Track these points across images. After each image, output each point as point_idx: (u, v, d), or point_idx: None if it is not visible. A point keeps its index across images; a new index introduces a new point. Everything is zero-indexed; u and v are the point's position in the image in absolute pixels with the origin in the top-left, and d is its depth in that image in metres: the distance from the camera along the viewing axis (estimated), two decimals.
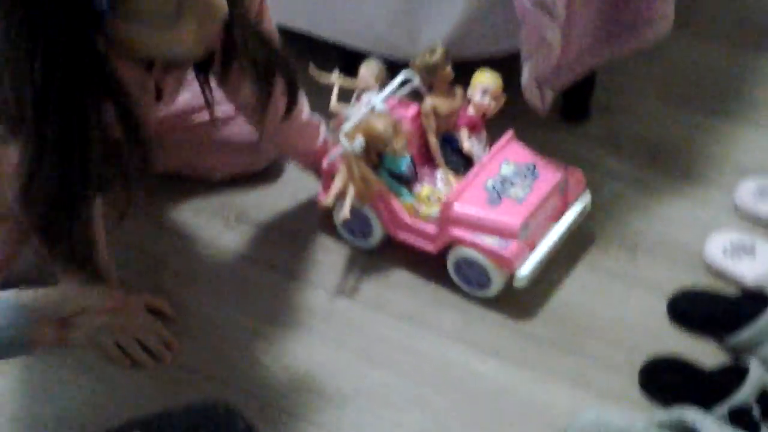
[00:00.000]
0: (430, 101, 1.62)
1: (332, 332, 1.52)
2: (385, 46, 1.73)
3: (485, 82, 1.62)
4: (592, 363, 1.46)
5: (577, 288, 1.57)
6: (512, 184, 1.55)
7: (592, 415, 1.35)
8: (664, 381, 1.42)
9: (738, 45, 2.05)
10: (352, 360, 1.47)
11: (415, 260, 1.60)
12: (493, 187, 1.54)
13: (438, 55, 1.59)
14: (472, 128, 1.64)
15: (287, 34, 1.60)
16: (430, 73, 1.60)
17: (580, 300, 1.55)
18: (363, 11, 1.73)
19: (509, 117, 1.68)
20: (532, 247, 1.53)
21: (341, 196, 1.55)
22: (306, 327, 1.52)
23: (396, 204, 1.57)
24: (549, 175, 1.57)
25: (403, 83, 1.63)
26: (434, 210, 1.55)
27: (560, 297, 1.56)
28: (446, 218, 1.52)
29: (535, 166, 1.58)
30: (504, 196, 1.53)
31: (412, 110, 1.64)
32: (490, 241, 1.49)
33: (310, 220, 1.70)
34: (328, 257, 1.64)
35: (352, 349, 1.49)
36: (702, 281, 1.56)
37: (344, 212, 1.54)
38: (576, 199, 1.61)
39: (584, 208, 1.61)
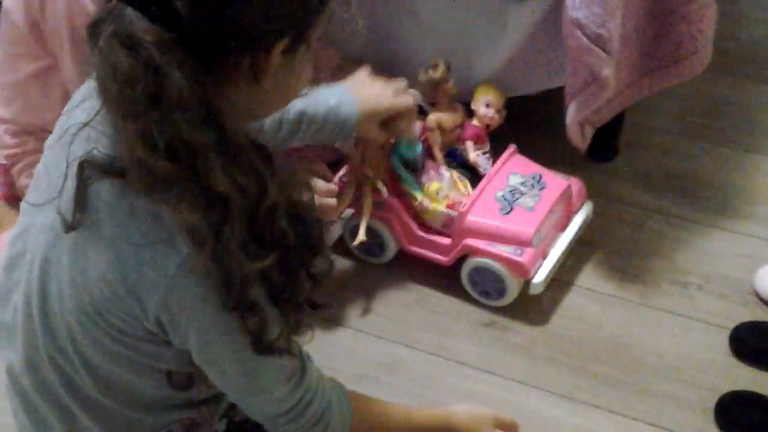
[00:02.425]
0: (434, 116, 1.64)
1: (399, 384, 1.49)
2: None
3: (488, 95, 1.66)
4: (665, 403, 1.45)
5: (636, 327, 1.56)
6: (522, 194, 1.58)
7: None
8: (742, 418, 1.42)
9: (746, 77, 2.09)
10: None
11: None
12: (504, 198, 1.57)
13: (441, 70, 1.60)
14: (477, 140, 1.66)
15: None
16: (433, 88, 1.62)
17: (641, 338, 1.55)
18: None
19: (534, 156, 1.70)
20: (543, 254, 1.56)
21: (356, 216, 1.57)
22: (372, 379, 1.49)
23: (407, 218, 1.59)
24: (555, 185, 1.61)
25: None
26: (442, 207, 1.56)
27: (622, 336, 1.55)
28: (460, 229, 1.54)
29: (541, 176, 1.61)
30: (515, 206, 1.56)
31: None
32: (505, 250, 1.52)
33: None
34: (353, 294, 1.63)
35: (424, 400, 1.46)
36: (759, 315, 1.57)
37: (360, 236, 1.55)
38: (579, 208, 1.65)
39: (587, 216, 1.65)
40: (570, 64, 1.55)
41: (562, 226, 1.62)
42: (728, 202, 1.79)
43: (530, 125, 1.92)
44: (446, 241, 1.58)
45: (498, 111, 1.67)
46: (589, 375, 1.49)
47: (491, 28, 1.63)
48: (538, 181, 1.61)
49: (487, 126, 1.66)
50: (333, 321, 1.58)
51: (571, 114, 1.61)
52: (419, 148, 1.58)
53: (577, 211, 1.65)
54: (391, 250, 1.63)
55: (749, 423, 1.40)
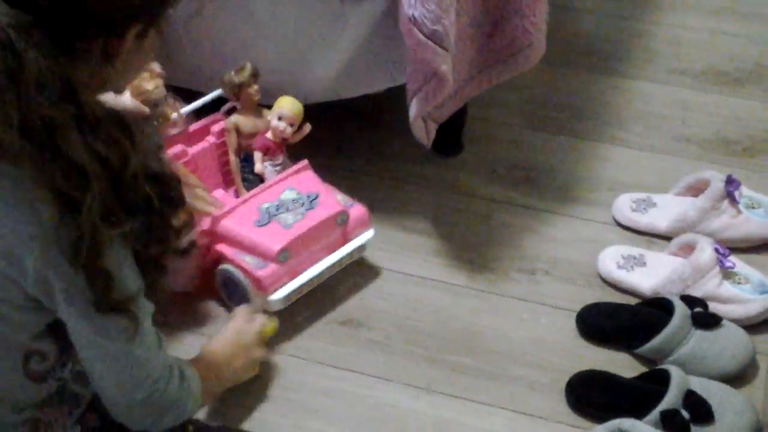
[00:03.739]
0: (234, 118, 1.64)
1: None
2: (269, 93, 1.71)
3: (282, 107, 1.63)
4: (519, 387, 1.49)
5: (488, 315, 1.60)
6: (287, 209, 1.56)
7: None
8: (591, 397, 1.47)
9: (581, 67, 2.16)
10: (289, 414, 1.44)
11: None
12: (267, 210, 1.56)
13: (244, 74, 1.60)
14: (267, 152, 1.64)
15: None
16: (235, 91, 1.62)
17: (493, 326, 1.58)
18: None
19: (383, 153, 1.74)
20: (294, 273, 1.55)
21: None
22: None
23: None
24: (327, 207, 1.58)
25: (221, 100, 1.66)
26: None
27: (474, 326, 1.58)
28: (214, 233, 1.54)
29: (317, 197, 1.58)
30: (273, 220, 1.55)
31: (218, 126, 1.64)
32: (249, 261, 1.52)
33: None
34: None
35: (285, 402, 1.46)
36: (602, 296, 1.63)
37: None
38: (356, 235, 1.62)
39: (364, 244, 1.62)
40: (409, 62, 1.58)
41: (331, 250, 1.59)
42: (570, 189, 1.85)
43: (376, 124, 1.95)
44: (205, 242, 1.55)
45: (291, 125, 1.62)
46: (445, 366, 1.52)
47: (330, 28, 1.63)
48: (311, 201, 1.57)
49: (284, 140, 1.63)
50: (186, 329, 1.56)
51: (414, 111, 1.63)
52: None
53: (352, 238, 1.61)
54: None
55: (598, 401, 1.46)
